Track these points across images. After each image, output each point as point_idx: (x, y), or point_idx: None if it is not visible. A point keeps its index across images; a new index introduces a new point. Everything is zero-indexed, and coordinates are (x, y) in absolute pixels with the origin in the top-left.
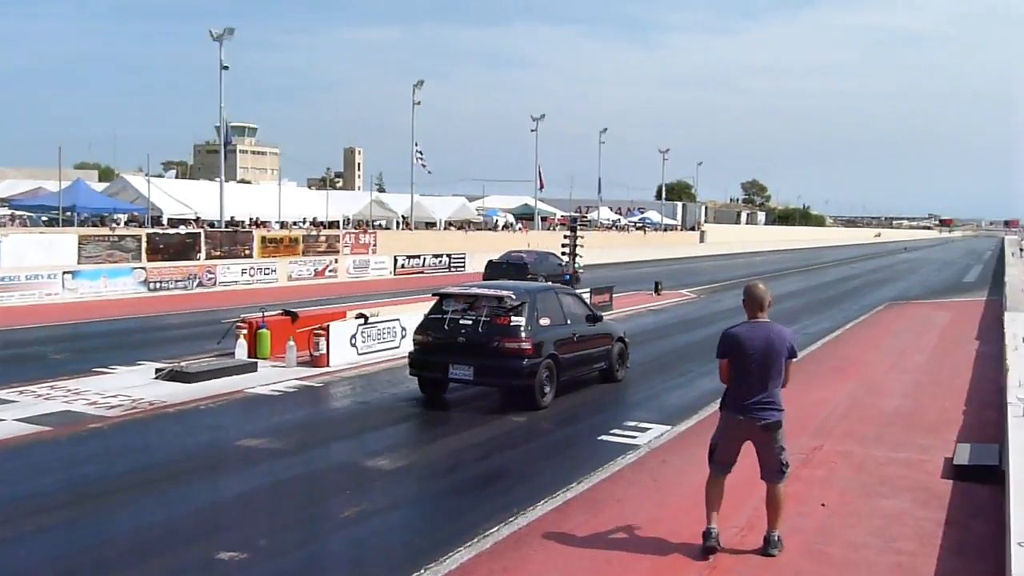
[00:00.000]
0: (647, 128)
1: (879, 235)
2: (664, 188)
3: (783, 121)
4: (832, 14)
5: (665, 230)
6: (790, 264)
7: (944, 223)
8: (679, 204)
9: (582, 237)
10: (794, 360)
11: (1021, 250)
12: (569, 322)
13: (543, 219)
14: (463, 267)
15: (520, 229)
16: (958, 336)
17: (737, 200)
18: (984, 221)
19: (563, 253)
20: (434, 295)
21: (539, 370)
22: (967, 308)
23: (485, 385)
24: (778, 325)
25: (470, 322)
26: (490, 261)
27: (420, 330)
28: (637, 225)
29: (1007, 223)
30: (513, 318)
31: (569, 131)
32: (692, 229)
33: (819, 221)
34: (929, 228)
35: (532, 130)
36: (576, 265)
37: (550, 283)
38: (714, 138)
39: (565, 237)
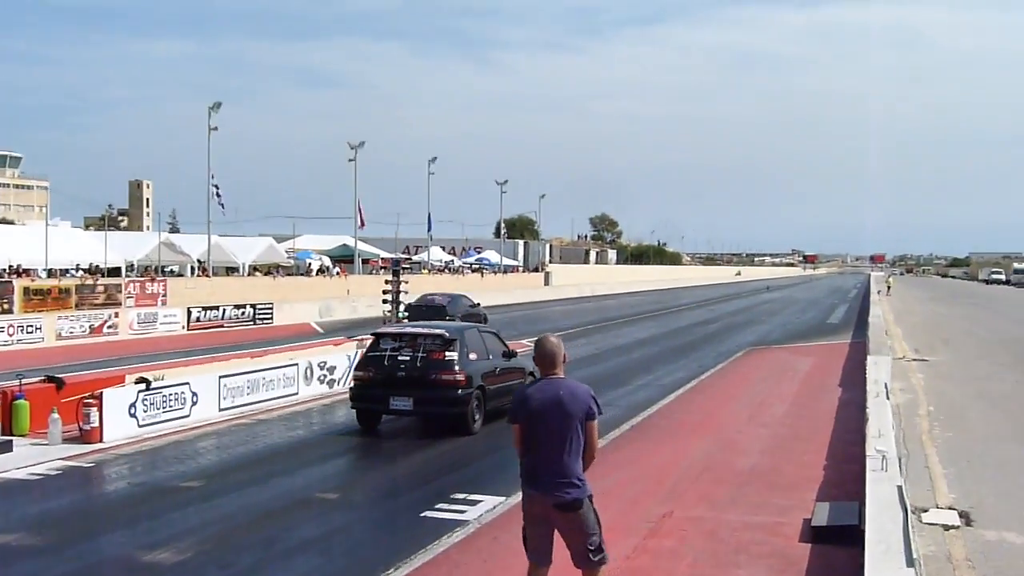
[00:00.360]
0: (483, 157)
1: (739, 273)
2: (503, 224)
3: (635, 149)
4: (685, 31)
5: (505, 272)
6: (644, 307)
7: (808, 259)
8: (520, 242)
9: (406, 282)
10: (595, 422)
11: (889, 287)
12: (491, 357)
13: (365, 261)
14: (270, 319)
15: (338, 273)
16: (821, 383)
17: (585, 237)
18: (850, 256)
19: (384, 300)
20: (372, 335)
21: (471, 399)
22: (831, 352)
23: (423, 415)
24: (573, 382)
25: (407, 358)
26: (408, 304)
27: (360, 367)
28: (473, 267)
29: (873, 258)
30: (447, 353)
31: (394, 161)
32: (536, 270)
33: (675, 259)
34: (793, 265)
35: (351, 159)
36: (400, 314)
37: (472, 323)
38: (559, 168)
39: (387, 283)
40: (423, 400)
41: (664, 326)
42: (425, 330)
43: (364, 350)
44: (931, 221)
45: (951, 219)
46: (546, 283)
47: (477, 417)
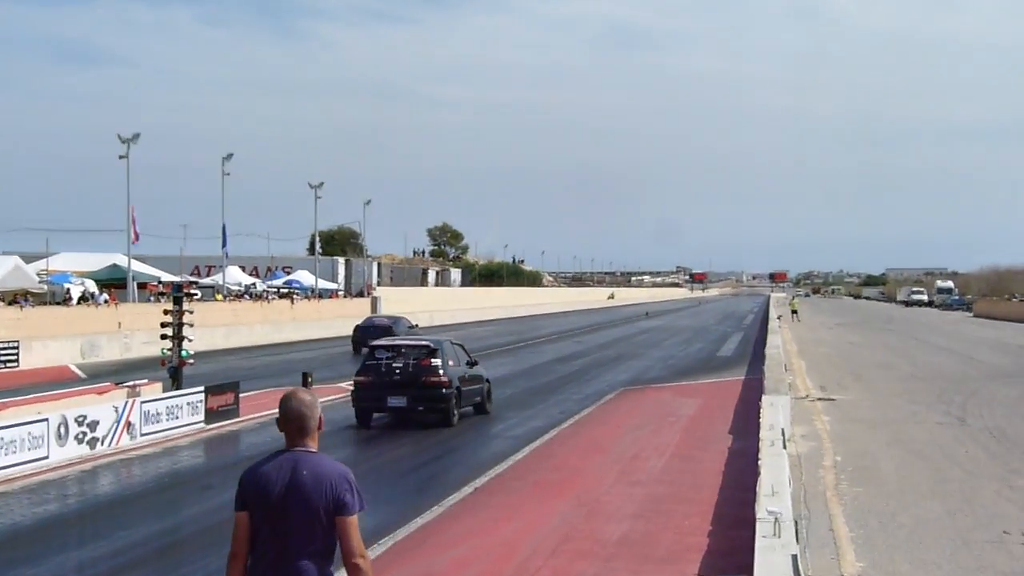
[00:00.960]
0: (293, 155)
1: (612, 296)
2: (319, 238)
3: (482, 146)
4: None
5: (321, 297)
6: (495, 340)
7: (696, 278)
8: (341, 260)
9: (191, 312)
10: (353, 519)
11: (794, 311)
12: (461, 364)
13: (141, 286)
14: (15, 362)
15: (106, 302)
16: (707, 430)
17: (423, 253)
18: (746, 274)
19: (163, 336)
20: (368, 347)
21: (452, 397)
22: (721, 391)
23: (415, 410)
24: (324, 460)
25: (400, 364)
26: (358, 326)
27: (361, 372)
28: (282, 291)
29: (773, 277)
30: (432, 360)
31: (179, 158)
32: (361, 295)
33: (535, 279)
34: (678, 285)
35: (121, 156)
36: (183, 354)
37: (444, 337)
38: (388, 169)
39: (167, 312)
40: (415, 398)
41: (520, 362)
42: (412, 342)
43: (363, 359)
44: (841, 234)
45: (864, 231)
46: (373, 310)
47: (456, 412)
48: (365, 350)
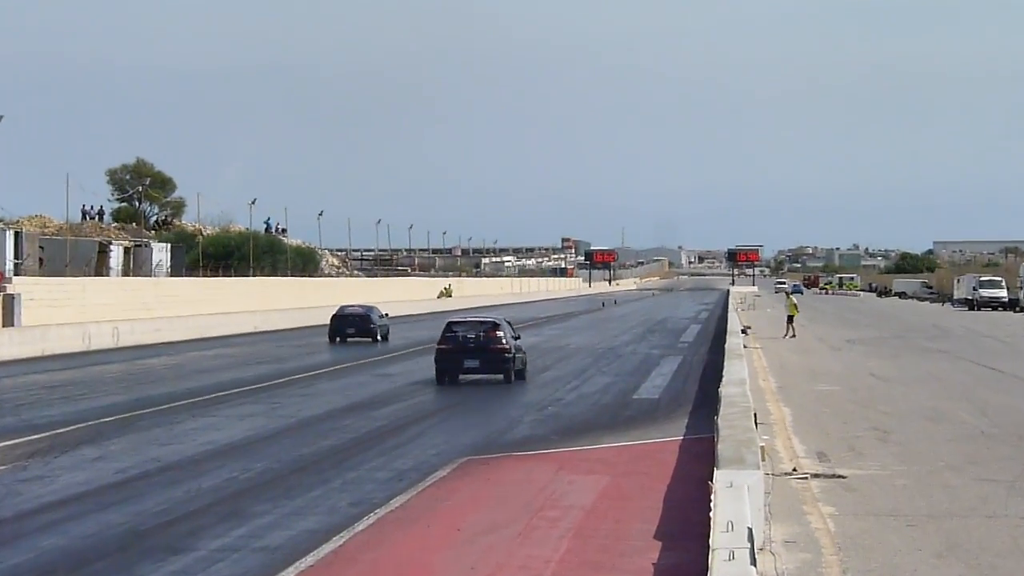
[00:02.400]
0: None
1: (449, 292)
2: None
3: (208, 30)
4: None
5: None
6: (237, 374)
7: (598, 259)
8: None
9: None
10: None
11: (790, 319)
12: (511, 338)
13: None
14: None
15: None
16: (617, 533)
17: (99, 215)
18: (687, 253)
19: None
20: (447, 324)
21: (512, 360)
22: (641, 462)
23: (485, 372)
24: None
25: (473, 335)
26: (334, 315)
27: (442, 341)
28: None
29: (734, 256)
30: (498, 332)
31: None
32: None
33: (307, 261)
34: (565, 271)
35: None
36: None
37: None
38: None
39: None
40: (485, 361)
41: (279, 411)
42: (480, 318)
43: (443, 332)
44: (852, 190)
45: (890, 187)
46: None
47: (513, 373)
48: (446, 324)
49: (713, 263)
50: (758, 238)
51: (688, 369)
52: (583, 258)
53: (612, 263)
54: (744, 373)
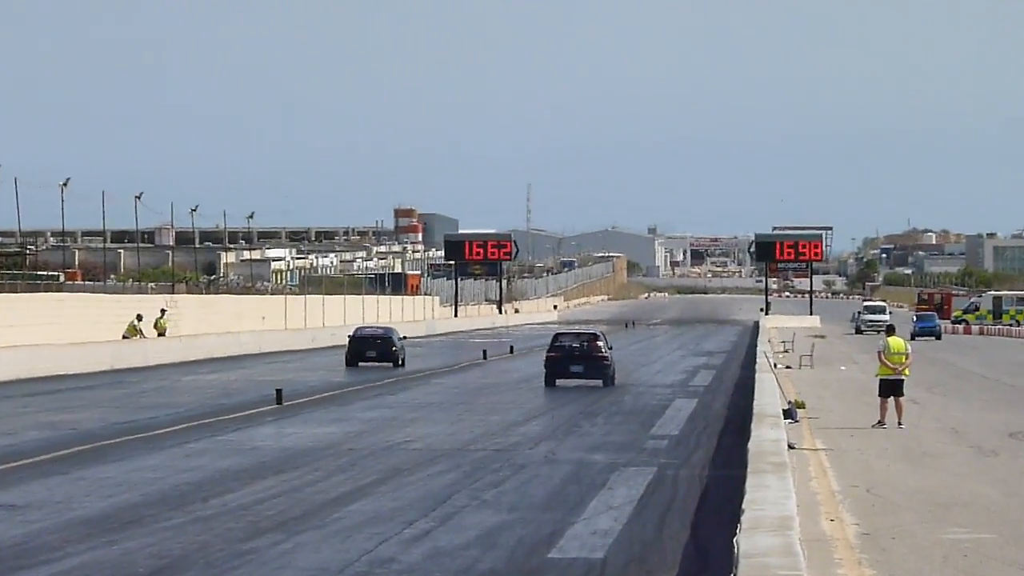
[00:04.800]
0: None
1: (161, 326)
2: None
3: None
4: None
5: None
6: None
7: (471, 258)
8: None
9: None
10: None
11: (900, 390)
12: (610, 347)
13: None
14: None
15: None
16: None
17: None
18: (664, 242)
19: None
20: (554, 335)
21: (611, 366)
22: None
23: (587, 374)
24: None
25: (578, 344)
26: (351, 337)
27: (551, 350)
28: None
29: (765, 250)
30: (599, 343)
31: None
32: None
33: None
34: (396, 276)
35: None
36: None
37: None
38: None
39: None
40: (589, 367)
41: None
42: (584, 330)
43: (551, 341)
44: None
45: None
46: None
47: (614, 376)
48: (554, 335)
49: (721, 264)
50: (815, 214)
51: (669, 494)
52: (443, 253)
53: (505, 262)
54: (790, 505)
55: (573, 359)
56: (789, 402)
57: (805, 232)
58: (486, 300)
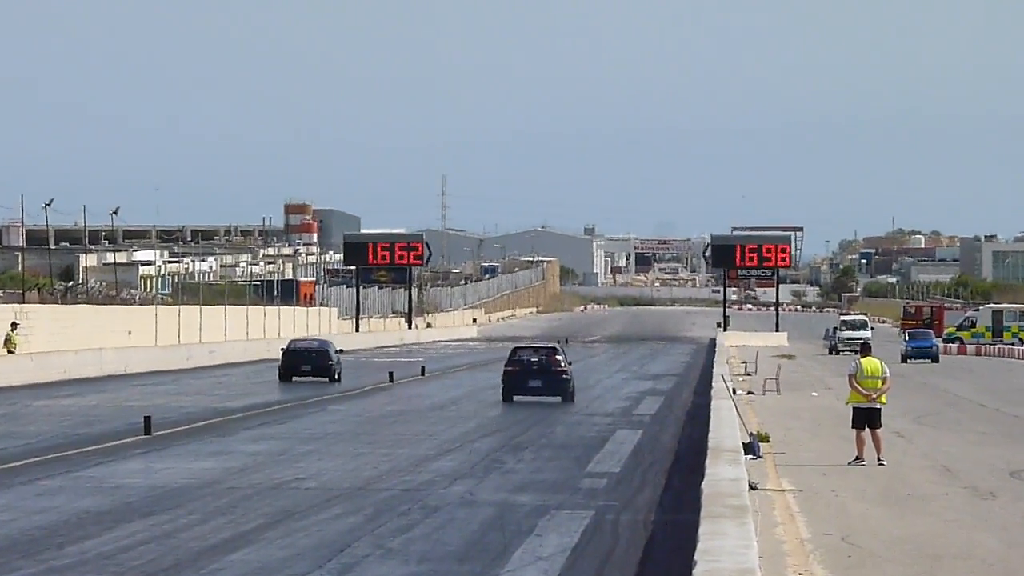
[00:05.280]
0: None
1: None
2: None
3: None
4: None
5: None
6: None
7: (375, 262)
8: None
9: None
10: None
11: (877, 420)
12: (569, 363)
13: None
14: None
15: None
16: None
17: None
18: (609, 249)
19: None
20: (512, 349)
21: (571, 381)
22: None
23: (547, 391)
24: None
25: (536, 359)
26: (285, 350)
27: (509, 363)
28: None
29: (723, 255)
30: (557, 356)
31: None
32: None
33: None
34: (288, 285)
35: None
36: None
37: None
38: None
39: None
40: (548, 382)
41: None
42: (542, 344)
43: (509, 355)
44: None
45: None
46: None
47: (573, 392)
48: (512, 349)
49: (672, 272)
50: (782, 213)
51: (609, 542)
52: (342, 257)
53: (416, 267)
54: (751, 556)
55: (532, 374)
56: (751, 434)
57: (770, 234)
58: (393, 312)
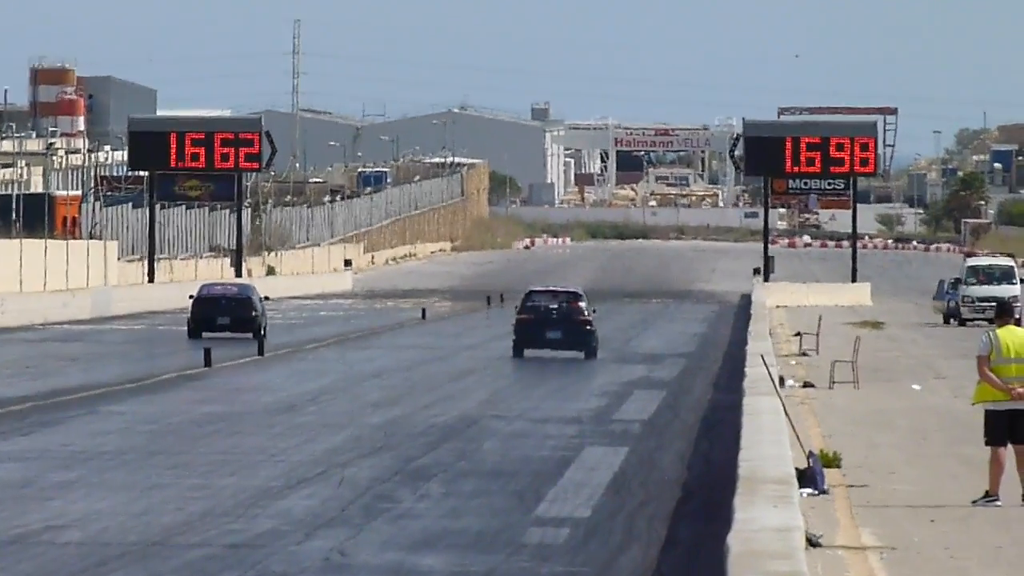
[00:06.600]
0: None
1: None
2: None
3: None
4: None
5: None
6: None
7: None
8: None
9: None
10: None
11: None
12: (594, 311)
13: None
14: None
15: None
16: None
17: None
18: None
19: None
20: (526, 293)
21: (594, 332)
22: None
23: (567, 343)
24: None
25: (555, 306)
26: (195, 298)
27: (522, 311)
28: None
29: (753, 149)
30: (580, 303)
31: None
32: None
33: None
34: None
35: None
36: None
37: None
38: None
39: None
40: (568, 333)
41: None
42: (562, 289)
43: (522, 302)
44: None
45: None
46: None
47: (597, 347)
48: (526, 293)
49: (678, 182)
50: (859, 88)
51: None
52: (126, 156)
53: (251, 173)
54: None
55: (550, 323)
56: (810, 454)
57: (843, 119)
58: (211, 250)
